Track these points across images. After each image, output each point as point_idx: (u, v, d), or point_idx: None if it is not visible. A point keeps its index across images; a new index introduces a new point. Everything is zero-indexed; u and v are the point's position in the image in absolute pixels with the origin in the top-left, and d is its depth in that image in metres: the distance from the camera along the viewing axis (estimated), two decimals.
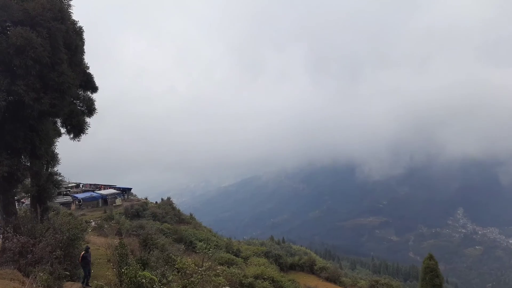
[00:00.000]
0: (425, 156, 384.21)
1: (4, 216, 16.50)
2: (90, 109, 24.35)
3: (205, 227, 65.43)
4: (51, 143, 20.32)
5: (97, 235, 34.49)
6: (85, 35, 20.02)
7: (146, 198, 72.77)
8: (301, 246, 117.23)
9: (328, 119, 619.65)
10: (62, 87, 16.04)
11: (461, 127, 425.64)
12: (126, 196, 70.80)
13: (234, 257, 42.97)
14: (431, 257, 31.43)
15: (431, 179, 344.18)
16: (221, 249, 45.93)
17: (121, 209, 58.02)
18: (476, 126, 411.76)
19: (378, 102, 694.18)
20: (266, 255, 48.77)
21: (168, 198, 71.23)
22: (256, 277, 33.23)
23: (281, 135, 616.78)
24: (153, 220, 52.17)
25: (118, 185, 77.80)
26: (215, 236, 57.84)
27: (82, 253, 17.52)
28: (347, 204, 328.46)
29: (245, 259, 45.16)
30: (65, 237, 16.34)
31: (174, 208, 64.79)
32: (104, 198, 63.90)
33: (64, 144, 24.57)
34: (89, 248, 18.64)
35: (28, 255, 14.04)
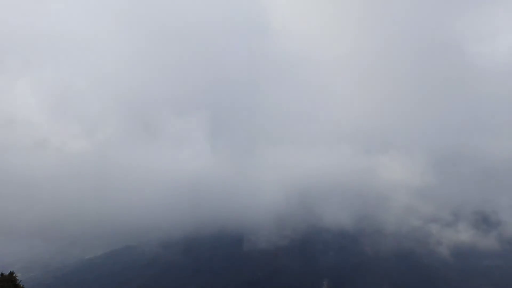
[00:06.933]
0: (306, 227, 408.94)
1: None
2: None
3: None
4: None
5: None
6: None
7: None
8: None
9: (220, 188, 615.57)
10: None
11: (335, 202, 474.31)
12: None
13: None
14: None
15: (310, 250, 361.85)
16: None
17: None
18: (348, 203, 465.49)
19: (269, 175, 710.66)
20: None
21: (11, 273, 56.87)
22: None
23: (166, 202, 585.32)
24: None
25: None
26: None
27: None
28: (226, 277, 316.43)
29: None
30: None
31: (16, 286, 51.47)
32: None
33: None
34: None
35: None
